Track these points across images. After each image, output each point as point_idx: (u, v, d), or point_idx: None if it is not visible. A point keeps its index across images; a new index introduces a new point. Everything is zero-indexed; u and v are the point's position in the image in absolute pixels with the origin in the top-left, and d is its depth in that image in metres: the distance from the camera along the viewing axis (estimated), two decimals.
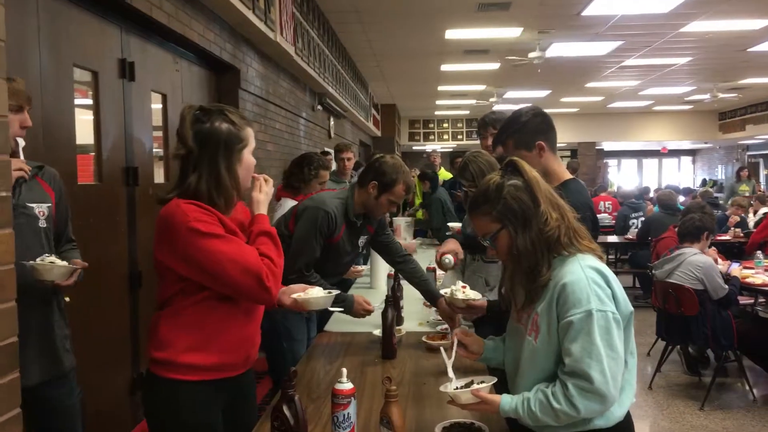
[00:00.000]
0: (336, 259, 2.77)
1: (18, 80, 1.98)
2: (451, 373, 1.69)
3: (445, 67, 10.23)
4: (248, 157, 1.78)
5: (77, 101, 2.97)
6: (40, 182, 2.15)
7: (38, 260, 2.01)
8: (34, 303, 2.04)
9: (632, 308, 1.58)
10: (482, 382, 1.64)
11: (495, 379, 1.65)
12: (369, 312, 2.73)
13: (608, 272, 1.56)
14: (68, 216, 2.30)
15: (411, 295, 3.10)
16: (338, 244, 2.70)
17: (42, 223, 2.08)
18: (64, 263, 2.04)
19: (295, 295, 1.98)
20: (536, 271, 1.56)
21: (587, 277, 1.51)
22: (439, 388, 1.67)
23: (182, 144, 1.71)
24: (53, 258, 2.04)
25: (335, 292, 2.07)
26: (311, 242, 2.62)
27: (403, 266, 2.93)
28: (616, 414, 1.55)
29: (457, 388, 1.62)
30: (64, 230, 2.28)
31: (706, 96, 13.15)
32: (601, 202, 9.85)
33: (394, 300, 2.57)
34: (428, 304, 2.99)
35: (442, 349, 1.83)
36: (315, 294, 2.02)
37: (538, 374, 1.56)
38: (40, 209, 2.08)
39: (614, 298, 1.52)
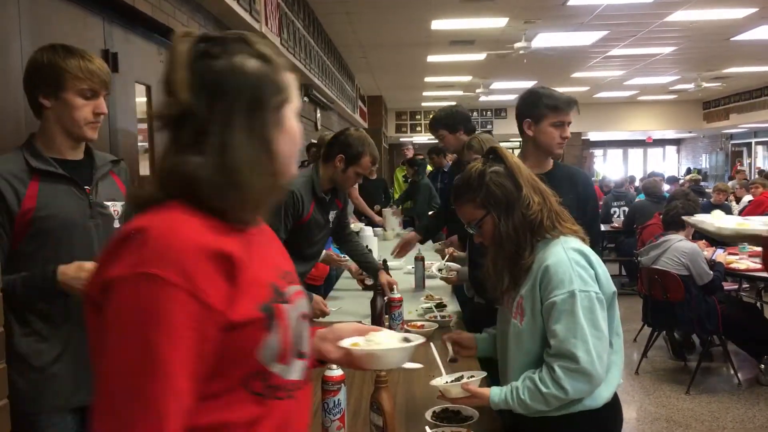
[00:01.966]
0: (309, 237, 2.77)
1: (94, 59, 1.75)
2: (441, 367, 1.71)
3: (432, 58, 10.21)
4: (292, 121, 1.01)
5: None
6: (114, 178, 1.91)
7: None
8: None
9: (615, 288, 1.60)
10: (472, 376, 1.66)
11: (484, 374, 1.69)
12: (324, 314, 2.79)
13: (591, 253, 1.59)
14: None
15: (400, 284, 3.11)
16: (309, 222, 2.71)
17: (116, 224, 1.83)
18: None
19: (352, 347, 1.25)
20: (519, 254, 1.58)
21: (570, 258, 1.53)
22: (430, 383, 1.68)
23: (171, 98, 0.93)
24: None
25: (415, 341, 1.32)
26: (276, 224, 2.61)
27: (347, 244, 3.17)
28: (604, 395, 1.57)
29: (447, 383, 1.64)
30: None
31: (691, 85, 13.23)
32: None
33: (382, 289, 2.58)
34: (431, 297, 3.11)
35: (431, 345, 1.82)
36: (385, 342, 1.26)
37: (524, 357, 1.58)
38: (115, 208, 1.84)
39: (597, 278, 1.55)
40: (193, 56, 0.94)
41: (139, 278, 0.81)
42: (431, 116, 3.68)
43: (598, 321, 1.50)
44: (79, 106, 1.69)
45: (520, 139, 2.41)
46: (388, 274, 2.96)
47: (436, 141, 3.89)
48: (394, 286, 2.69)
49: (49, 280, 1.59)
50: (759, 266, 4.77)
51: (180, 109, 0.92)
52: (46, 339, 1.67)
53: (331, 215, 2.87)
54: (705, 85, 12.71)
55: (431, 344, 1.81)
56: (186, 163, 0.91)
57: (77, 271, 1.60)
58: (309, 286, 3.22)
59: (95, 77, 1.70)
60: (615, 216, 8.19)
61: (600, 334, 1.50)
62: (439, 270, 3.19)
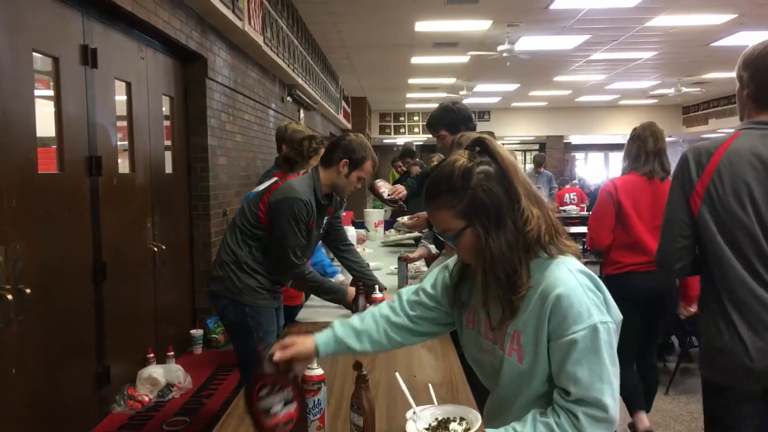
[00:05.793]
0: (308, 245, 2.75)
1: None
2: (410, 400, 1.50)
3: (415, 60, 10.23)
4: None
5: (38, 92, 2.88)
6: None
7: None
8: None
9: (621, 315, 1.32)
10: (462, 419, 1.42)
11: (479, 418, 1.40)
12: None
13: (594, 275, 1.31)
14: None
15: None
16: (311, 230, 2.69)
17: None
18: None
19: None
20: (515, 279, 1.27)
21: (581, 284, 1.25)
22: (406, 427, 1.43)
23: None
24: None
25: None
26: (294, 233, 2.58)
27: (345, 254, 2.99)
28: None
29: (429, 427, 1.42)
30: None
31: (671, 90, 13.40)
32: (566, 194, 10.06)
33: (364, 289, 2.57)
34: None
35: (396, 374, 1.61)
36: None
37: (531, 397, 1.32)
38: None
39: (606, 303, 1.28)
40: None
41: None
42: (430, 114, 3.25)
43: (615, 355, 1.26)
44: None
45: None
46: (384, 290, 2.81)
47: (422, 142, 3.79)
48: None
49: None
50: None
51: None
52: None
53: (324, 221, 2.84)
54: (684, 90, 12.89)
55: (396, 374, 1.62)
56: None
57: None
58: (287, 307, 3.09)
59: None
60: None
61: (617, 370, 1.26)
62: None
